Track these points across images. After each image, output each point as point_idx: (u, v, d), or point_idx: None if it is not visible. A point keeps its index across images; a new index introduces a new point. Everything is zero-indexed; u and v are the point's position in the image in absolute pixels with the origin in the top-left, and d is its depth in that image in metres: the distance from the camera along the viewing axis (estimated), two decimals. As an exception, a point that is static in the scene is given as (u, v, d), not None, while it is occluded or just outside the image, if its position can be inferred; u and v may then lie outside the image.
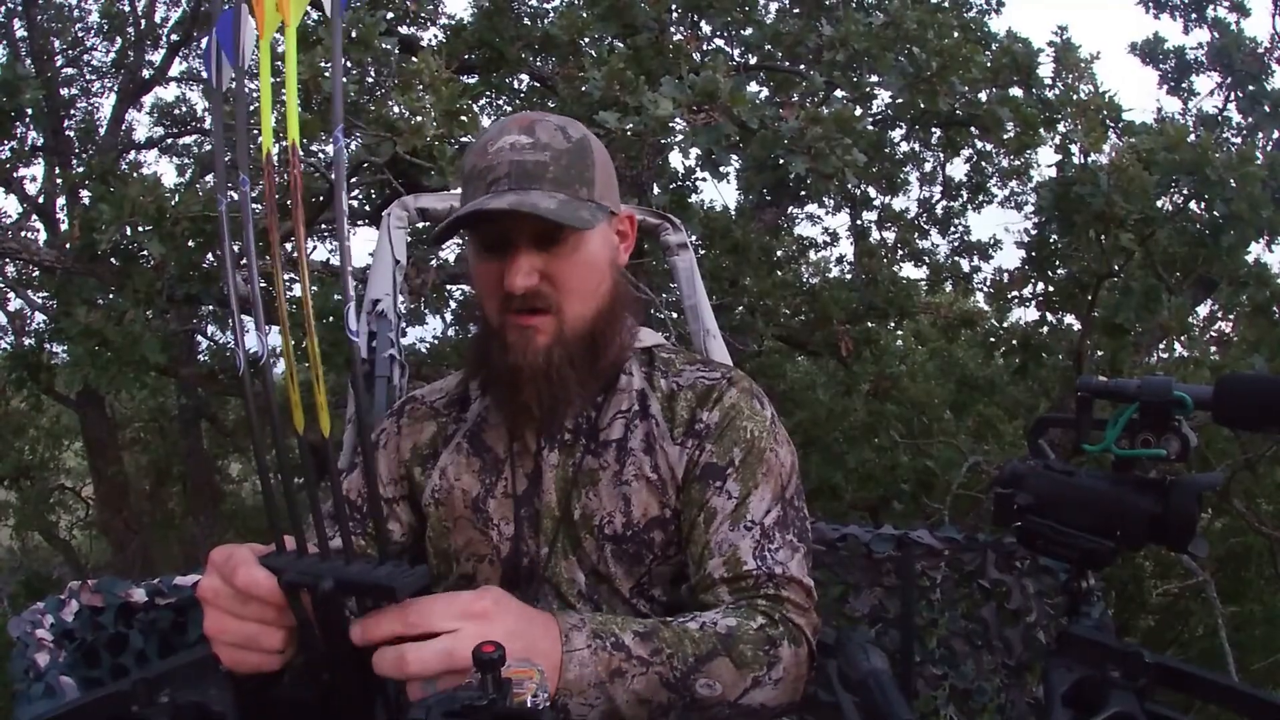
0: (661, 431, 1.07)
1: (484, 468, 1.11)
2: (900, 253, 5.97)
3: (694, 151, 3.08)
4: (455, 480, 1.11)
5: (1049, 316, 4.98)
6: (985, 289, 5.84)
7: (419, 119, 2.81)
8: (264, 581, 0.74)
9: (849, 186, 4.69)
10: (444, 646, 0.75)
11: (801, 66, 4.09)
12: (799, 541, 1.04)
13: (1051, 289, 4.78)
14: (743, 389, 1.10)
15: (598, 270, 1.04)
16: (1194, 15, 5.23)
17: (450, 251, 5.40)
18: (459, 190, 1.11)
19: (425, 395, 1.21)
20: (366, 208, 5.07)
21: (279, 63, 0.70)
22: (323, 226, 5.46)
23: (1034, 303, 5.16)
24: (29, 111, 3.88)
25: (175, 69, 6.43)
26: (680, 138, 2.93)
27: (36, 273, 4.94)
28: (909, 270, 5.90)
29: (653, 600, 1.07)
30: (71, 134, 6.08)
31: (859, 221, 5.91)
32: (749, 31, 4.33)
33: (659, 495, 1.05)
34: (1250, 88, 4.85)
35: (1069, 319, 4.87)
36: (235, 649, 0.76)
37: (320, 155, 5.41)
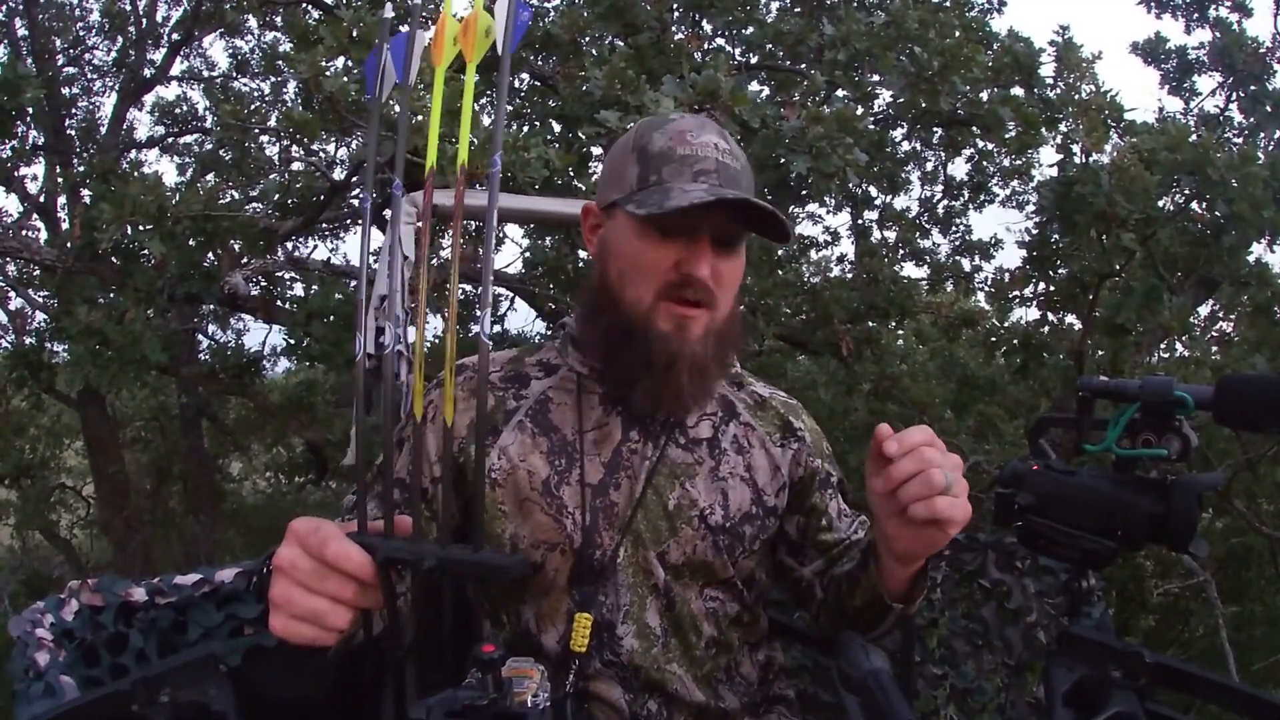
0: (760, 435, 1.17)
1: (552, 449, 1.09)
2: (901, 252, 5.96)
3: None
4: (520, 461, 1.08)
5: (1050, 316, 4.97)
6: (986, 288, 5.83)
7: (420, 118, 2.81)
8: (357, 557, 0.72)
9: (850, 186, 4.68)
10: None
11: (803, 66, 4.09)
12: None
13: (1052, 289, 4.77)
14: (806, 413, 1.25)
15: (741, 279, 1.11)
16: (1195, 15, 5.22)
17: (450, 251, 5.41)
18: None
19: (478, 367, 1.17)
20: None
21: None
22: (324, 226, 5.46)
23: (1035, 302, 5.16)
24: (30, 110, 3.88)
25: (176, 68, 6.43)
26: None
27: (37, 272, 4.93)
28: (910, 270, 5.90)
29: (739, 590, 1.13)
30: (72, 133, 6.07)
31: (860, 221, 5.90)
32: (750, 30, 4.32)
33: (752, 492, 1.13)
34: (1252, 87, 4.84)
35: (1070, 319, 4.86)
36: (296, 621, 0.74)
37: (320, 154, 5.41)
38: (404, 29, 0.77)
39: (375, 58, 0.78)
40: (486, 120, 4.73)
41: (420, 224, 1.83)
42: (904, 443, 0.89)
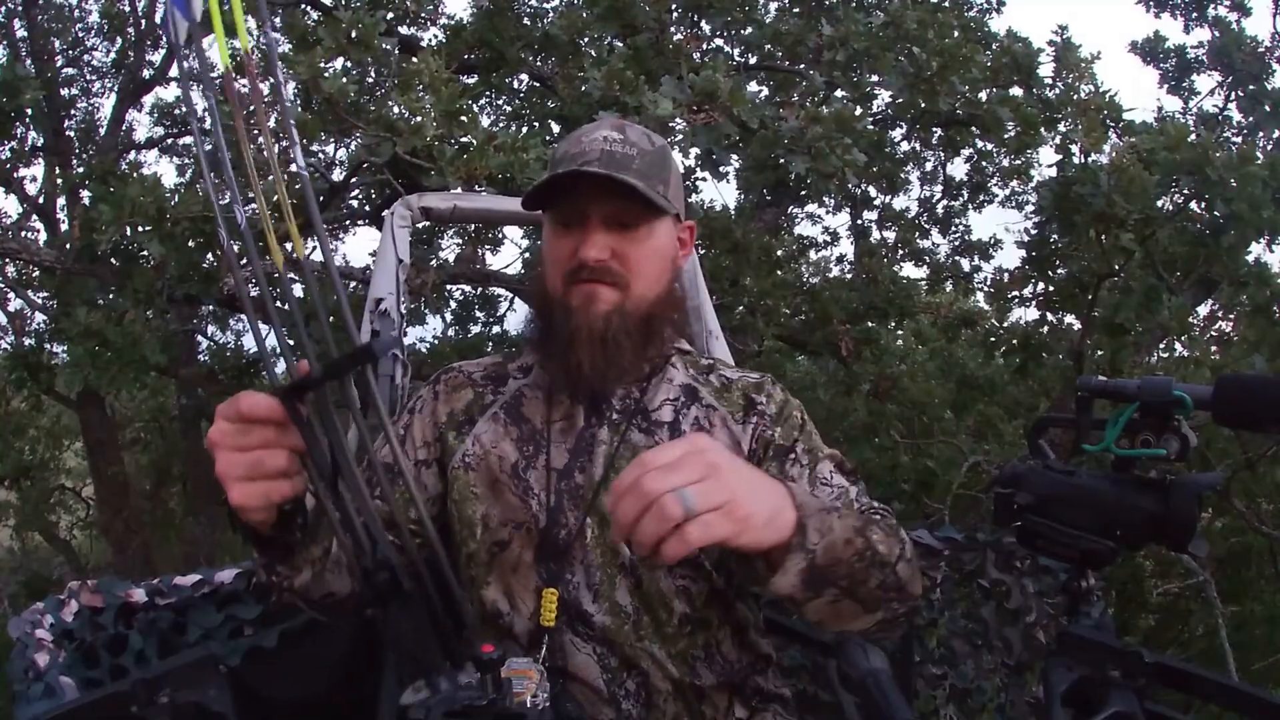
0: (722, 415, 1.18)
1: (522, 437, 1.17)
2: (901, 252, 5.97)
3: (694, 151, 3.08)
4: (492, 447, 1.16)
5: (1049, 316, 4.98)
6: (985, 289, 5.84)
7: (419, 119, 2.81)
8: (264, 399, 0.76)
9: (849, 186, 4.69)
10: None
11: (801, 66, 4.09)
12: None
13: (1052, 289, 4.77)
14: (780, 387, 1.26)
15: (661, 261, 1.16)
16: (1194, 14, 5.23)
17: (450, 251, 5.41)
18: (459, 190, 1.14)
19: (464, 367, 1.27)
20: (367, 208, 5.07)
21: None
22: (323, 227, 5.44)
23: (1034, 302, 5.16)
24: (29, 112, 3.88)
25: (175, 69, 6.42)
26: (680, 137, 2.93)
27: (37, 273, 4.94)
28: (909, 270, 5.91)
29: (707, 570, 1.13)
30: (72, 134, 6.07)
31: (859, 221, 5.91)
32: (749, 31, 4.32)
33: None
34: (1251, 87, 4.85)
35: (1069, 319, 4.87)
36: (245, 482, 0.77)
37: (319, 155, 5.41)
38: None
39: (170, 19, 0.82)
40: (486, 121, 4.73)
41: (417, 226, 1.83)
42: (617, 489, 0.76)
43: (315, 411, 0.76)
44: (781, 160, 3.00)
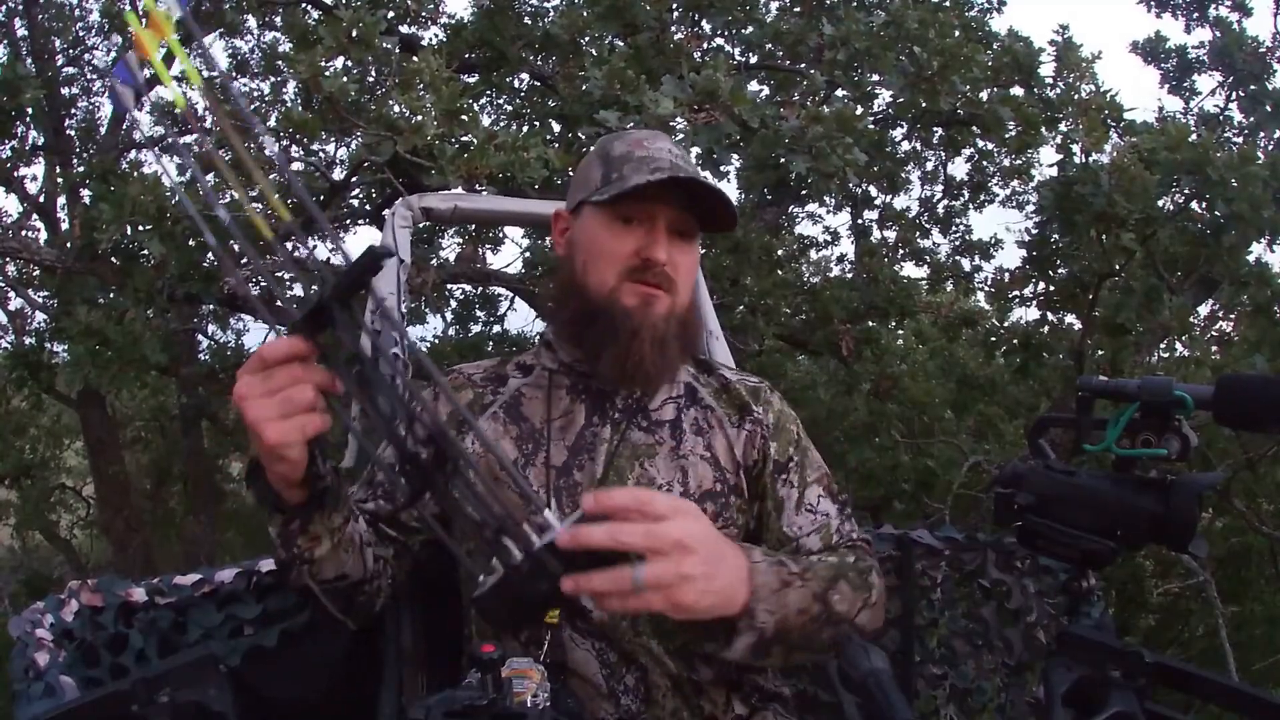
0: (719, 417, 1.22)
1: (521, 436, 1.18)
2: (901, 252, 5.95)
3: (695, 150, 3.08)
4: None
5: (1050, 316, 4.97)
6: (986, 288, 5.83)
7: (419, 118, 2.81)
8: (284, 340, 0.78)
9: (850, 186, 4.68)
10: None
11: (802, 65, 4.09)
12: (851, 512, 1.24)
13: (1052, 288, 4.77)
14: (779, 395, 1.29)
15: (696, 272, 1.23)
16: (1195, 14, 5.23)
17: (450, 251, 5.41)
18: (460, 190, 1.15)
19: (463, 369, 1.29)
20: (367, 207, 5.07)
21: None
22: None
23: (1035, 302, 5.16)
24: (30, 111, 3.88)
25: (176, 68, 6.41)
26: (681, 137, 2.93)
27: (37, 272, 4.93)
28: (910, 269, 5.89)
29: None
30: (72, 133, 6.06)
31: (860, 221, 5.90)
32: (750, 30, 4.32)
33: (714, 470, 1.17)
34: (1252, 87, 4.84)
35: (1070, 318, 4.87)
36: (279, 421, 0.79)
37: (320, 154, 5.41)
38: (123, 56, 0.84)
39: (114, 91, 0.86)
40: (487, 120, 4.73)
41: (418, 226, 1.83)
42: (606, 502, 0.79)
43: (344, 320, 0.74)
44: (782, 160, 3.00)
